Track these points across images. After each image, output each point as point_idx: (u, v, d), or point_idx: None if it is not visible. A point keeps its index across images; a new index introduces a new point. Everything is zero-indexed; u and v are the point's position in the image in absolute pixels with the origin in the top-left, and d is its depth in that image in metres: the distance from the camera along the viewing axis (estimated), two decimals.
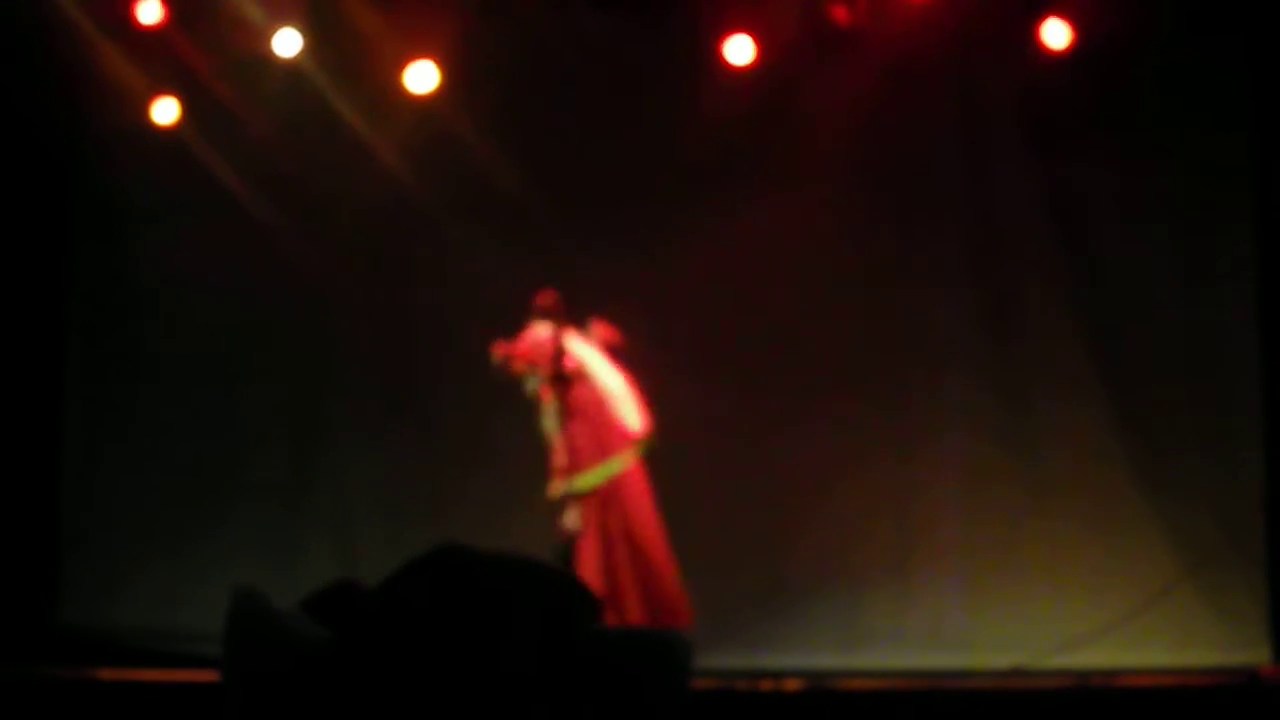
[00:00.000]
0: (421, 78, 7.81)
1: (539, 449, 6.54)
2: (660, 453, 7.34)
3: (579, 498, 6.44)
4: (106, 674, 6.76)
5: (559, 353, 6.33)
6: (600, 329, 6.57)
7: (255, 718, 2.18)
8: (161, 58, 7.90)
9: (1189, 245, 7.52)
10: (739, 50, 7.69)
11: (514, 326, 6.43)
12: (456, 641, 2.09)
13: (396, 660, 2.10)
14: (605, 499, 6.43)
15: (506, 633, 2.07)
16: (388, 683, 2.09)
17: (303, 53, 7.84)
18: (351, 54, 7.88)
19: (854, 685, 6.40)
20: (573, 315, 6.53)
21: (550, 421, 6.45)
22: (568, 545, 6.36)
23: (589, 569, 6.29)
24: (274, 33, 7.81)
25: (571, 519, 6.40)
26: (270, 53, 7.83)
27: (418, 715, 2.08)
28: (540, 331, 6.40)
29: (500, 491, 7.45)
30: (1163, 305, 7.52)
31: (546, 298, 6.45)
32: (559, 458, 6.48)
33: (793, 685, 6.25)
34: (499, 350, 6.38)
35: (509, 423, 7.50)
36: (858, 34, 7.63)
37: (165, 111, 7.97)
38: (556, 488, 6.49)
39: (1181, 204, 7.51)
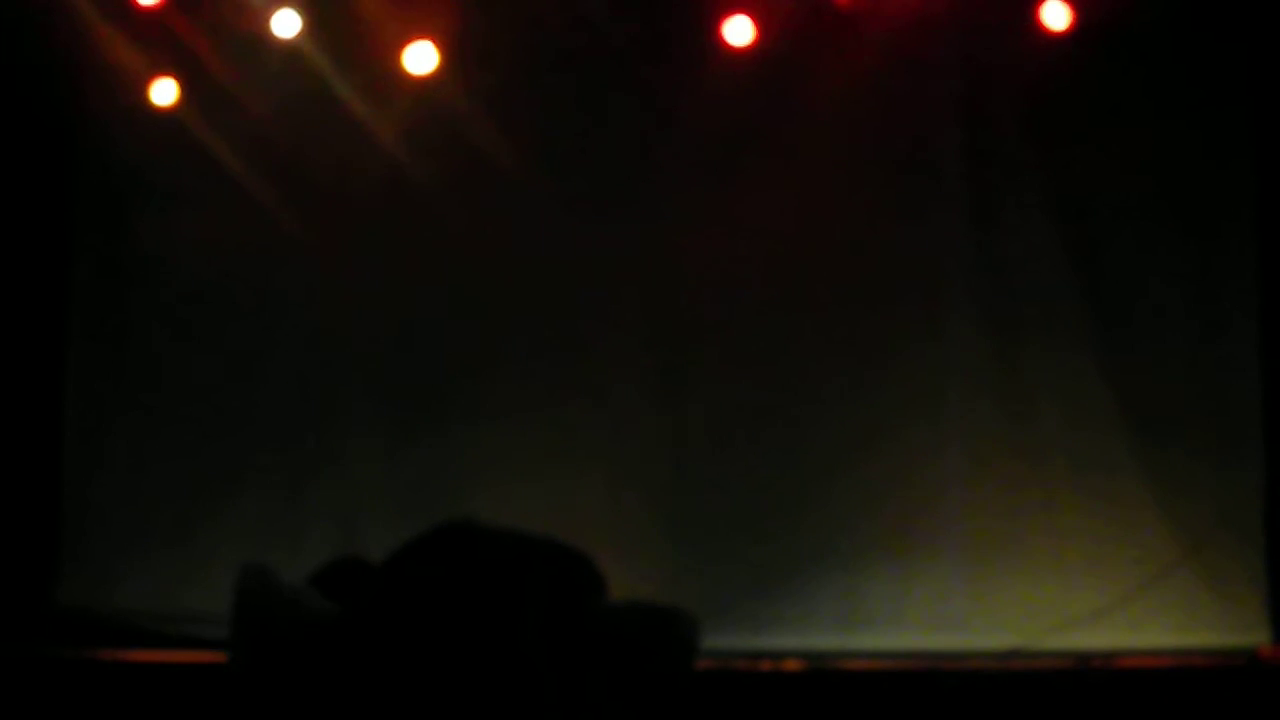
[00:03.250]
0: (421, 58, 7.80)
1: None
2: (659, 435, 7.37)
3: None
4: (106, 655, 6.77)
5: None
6: None
7: (264, 691, 2.18)
8: (160, 39, 7.88)
9: (1192, 230, 7.51)
10: (738, 31, 7.68)
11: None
12: (463, 615, 2.09)
13: (403, 635, 2.10)
14: None
15: (513, 606, 2.07)
16: (394, 657, 2.09)
17: (302, 34, 7.83)
18: (351, 35, 7.86)
19: (854, 665, 6.41)
20: None
21: None
22: None
23: None
24: (273, 14, 7.79)
25: None
26: (269, 34, 7.82)
27: (424, 690, 2.08)
28: None
29: (510, 484, 7.47)
30: (1163, 291, 7.52)
31: None
32: None
33: (792, 665, 6.27)
34: None
35: (521, 414, 7.53)
36: (857, 14, 7.62)
37: (164, 93, 7.95)
38: None
39: (1185, 188, 7.50)
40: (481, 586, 2.12)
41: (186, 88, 7.95)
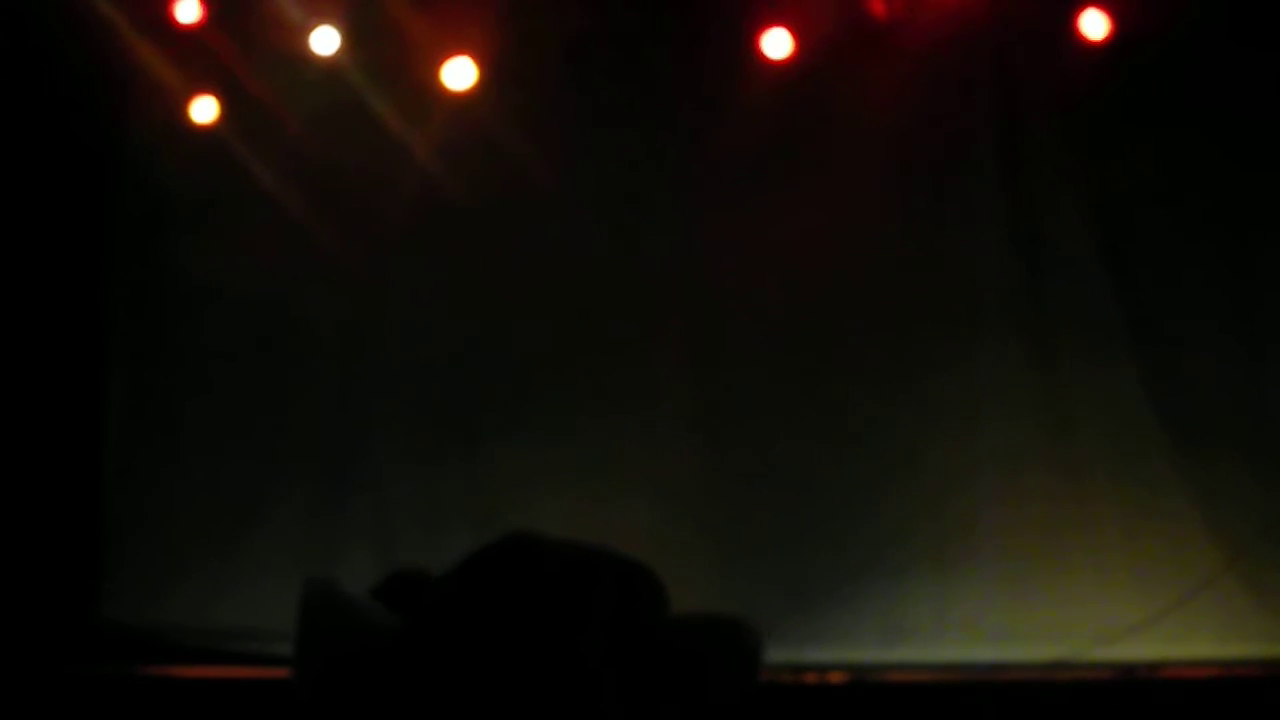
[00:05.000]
0: (459, 74, 7.82)
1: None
2: (700, 452, 7.36)
3: None
4: (150, 671, 6.78)
5: None
6: None
7: (329, 704, 2.18)
8: (200, 57, 7.92)
9: (1233, 242, 7.50)
10: (777, 43, 7.68)
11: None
12: (529, 627, 2.09)
13: (469, 648, 2.10)
14: None
15: (580, 618, 2.08)
16: (460, 671, 2.09)
17: (340, 50, 7.86)
18: (389, 51, 7.89)
19: (898, 678, 6.40)
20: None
21: None
22: None
23: None
24: (311, 31, 7.83)
25: None
26: (308, 51, 7.85)
27: (491, 705, 2.08)
28: None
29: (548, 502, 7.48)
30: (1203, 303, 7.51)
31: None
32: None
33: (837, 678, 6.26)
34: None
35: (558, 430, 7.53)
36: (895, 26, 7.62)
37: (204, 110, 7.98)
38: None
39: (1226, 200, 7.48)
40: (547, 598, 2.13)
41: (226, 105, 7.98)
